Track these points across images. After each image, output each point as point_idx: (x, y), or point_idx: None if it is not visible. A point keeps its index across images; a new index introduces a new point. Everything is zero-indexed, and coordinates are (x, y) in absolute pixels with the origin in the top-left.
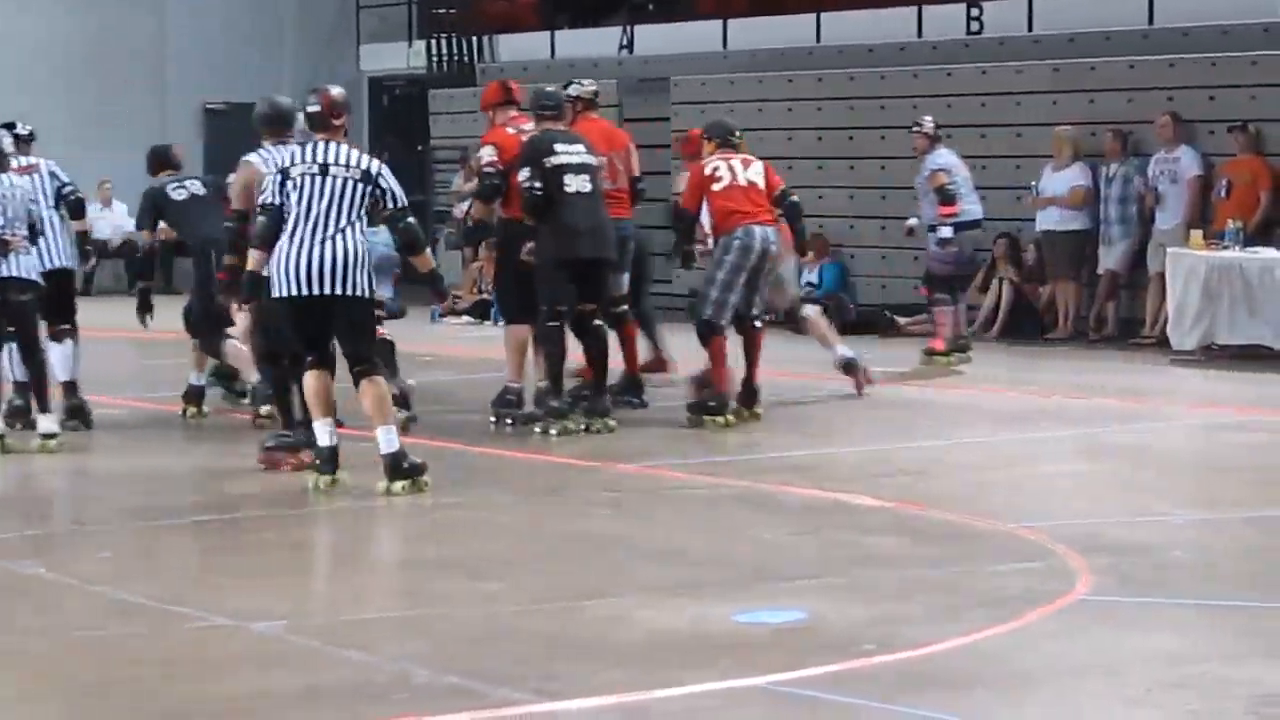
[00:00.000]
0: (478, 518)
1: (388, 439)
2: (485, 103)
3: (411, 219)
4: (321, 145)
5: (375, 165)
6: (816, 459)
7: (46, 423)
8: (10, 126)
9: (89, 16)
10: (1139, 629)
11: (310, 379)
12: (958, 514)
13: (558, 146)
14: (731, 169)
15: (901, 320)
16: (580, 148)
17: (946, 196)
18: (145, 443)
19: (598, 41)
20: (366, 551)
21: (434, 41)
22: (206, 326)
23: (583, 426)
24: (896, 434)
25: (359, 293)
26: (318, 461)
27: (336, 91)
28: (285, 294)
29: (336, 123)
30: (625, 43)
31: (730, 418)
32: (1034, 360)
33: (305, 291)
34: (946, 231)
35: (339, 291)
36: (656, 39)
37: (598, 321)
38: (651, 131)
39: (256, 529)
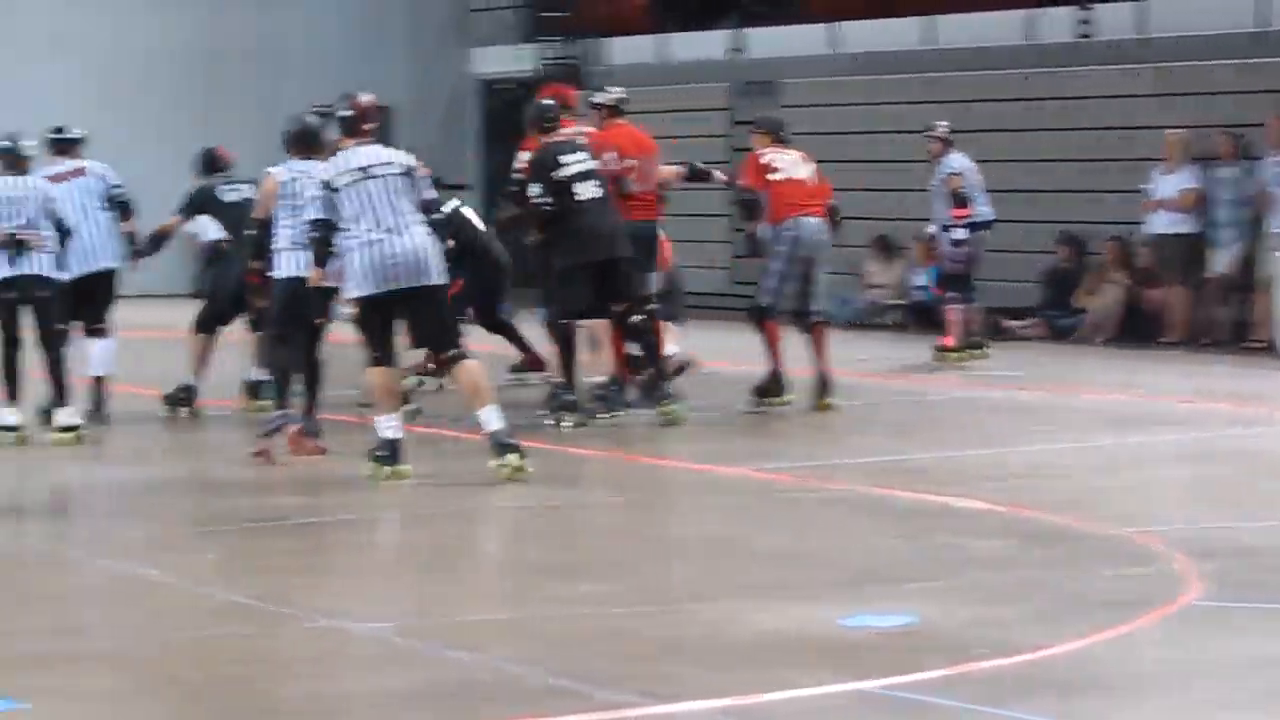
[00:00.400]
0: (581, 519)
1: (490, 418)
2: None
3: (435, 215)
4: (356, 151)
5: (410, 160)
6: (926, 462)
7: (65, 415)
8: (59, 130)
9: (200, 17)
10: (1249, 634)
11: (378, 375)
12: (1067, 517)
13: (562, 158)
14: (788, 162)
15: (1013, 323)
16: (583, 155)
17: (960, 199)
18: (243, 444)
19: (707, 44)
20: (472, 553)
21: (544, 44)
22: (212, 326)
23: (635, 418)
24: (1006, 437)
25: (435, 281)
26: (381, 453)
27: (367, 98)
28: (366, 293)
29: (367, 127)
30: (735, 45)
31: (791, 397)
32: (1145, 364)
33: (386, 288)
34: (960, 233)
35: (417, 283)
36: (766, 41)
37: (637, 317)
38: None
39: (363, 531)
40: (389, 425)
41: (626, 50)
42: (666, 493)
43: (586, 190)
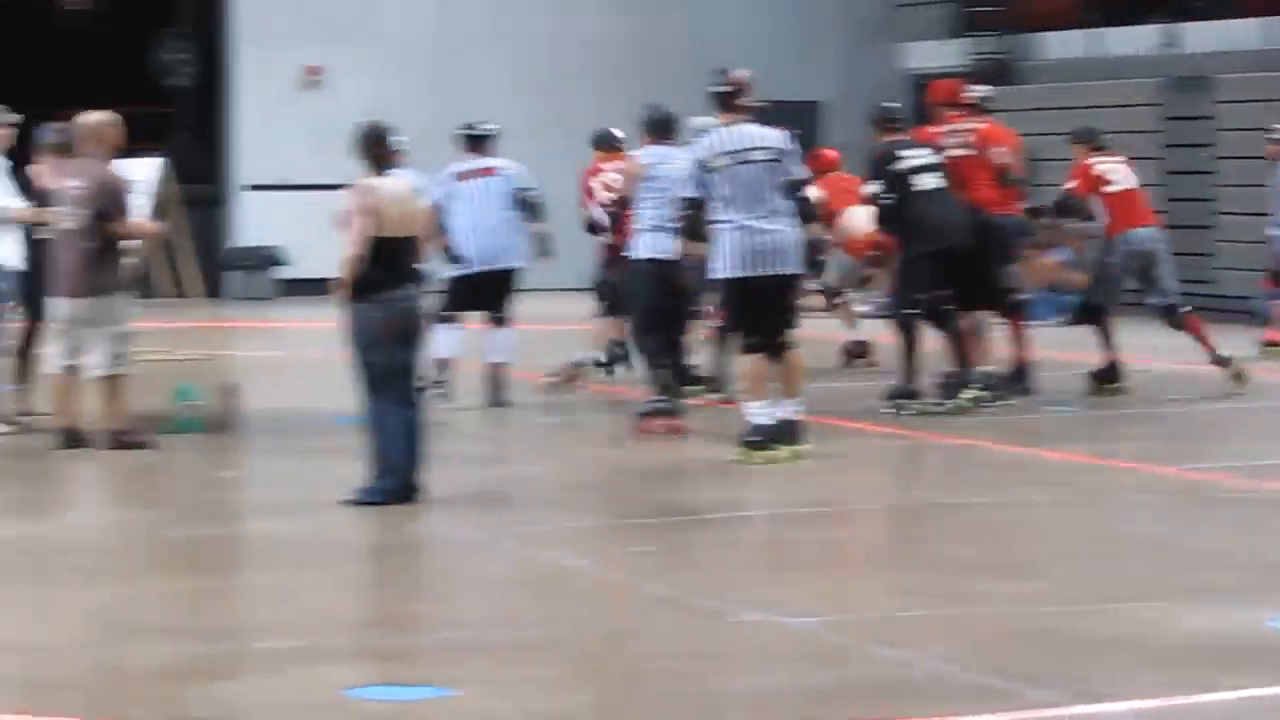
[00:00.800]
0: (1010, 517)
1: (793, 409)
2: (931, 99)
3: (800, 195)
4: (732, 131)
5: (784, 139)
6: None
7: None
8: (471, 126)
9: (629, 16)
10: None
11: (751, 362)
12: None
13: (900, 153)
14: (1118, 173)
15: None
16: (923, 151)
17: None
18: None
19: (1138, 39)
20: (899, 550)
21: (975, 39)
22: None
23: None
24: None
25: (795, 270)
26: (752, 439)
27: (743, 73)
28: (732, 275)
29: (742, 102)
30: (1168, 40)
31: (1117, 385)
32: None
33: (751, 273)
34: None
35: (780, 271)
36: (1200, 36)
37: (948, 308)
38: (1193, 130)
39: (789, 525)
40: (759, 411)
41: (1057, 45)
42: (1095, 491)
43: (925, 182)
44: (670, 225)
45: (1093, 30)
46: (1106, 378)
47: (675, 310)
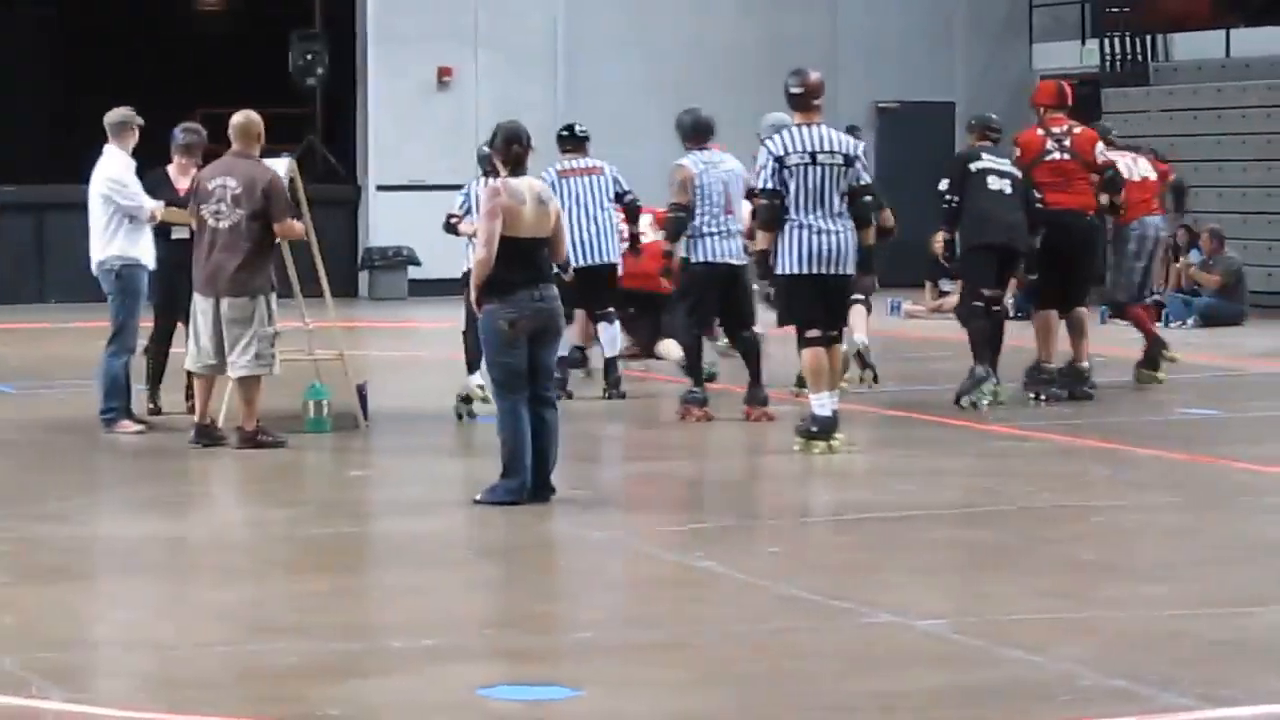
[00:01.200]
0: (1140, 520)
1: (832, 402)
2: (1036, 101)
3: (868, 198)
4: (808, 131)
5: (854, 146)
6: None
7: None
8: (569, 128)
9: (761, 18)
10: None
11: (811, 355)
12: None
13: (984, 155)
14: (1127, 166)
15: None
16: (1006, 161)
17: None
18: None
19: (1271, 40)
20: (1026, 552)
21: (1107, 40)
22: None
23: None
24: None
25: (850, 272)
26: (811, 429)
27: (816, 76)
28: (791, 272)
29: (816, 103)
30: None
31: (1163, 375)
32: None
33: (811, 270)
34: None
35: (836, 271)
36: None
37: (997, 307)
38: None
39: (920, 528)
40: (820, 403)
41: (1190, 46)
42: (1223, 494)
43: (998, 184)
44: (724, 230)
45: (1226, 31)
46: (1149, 364)
47: (737, 309)
